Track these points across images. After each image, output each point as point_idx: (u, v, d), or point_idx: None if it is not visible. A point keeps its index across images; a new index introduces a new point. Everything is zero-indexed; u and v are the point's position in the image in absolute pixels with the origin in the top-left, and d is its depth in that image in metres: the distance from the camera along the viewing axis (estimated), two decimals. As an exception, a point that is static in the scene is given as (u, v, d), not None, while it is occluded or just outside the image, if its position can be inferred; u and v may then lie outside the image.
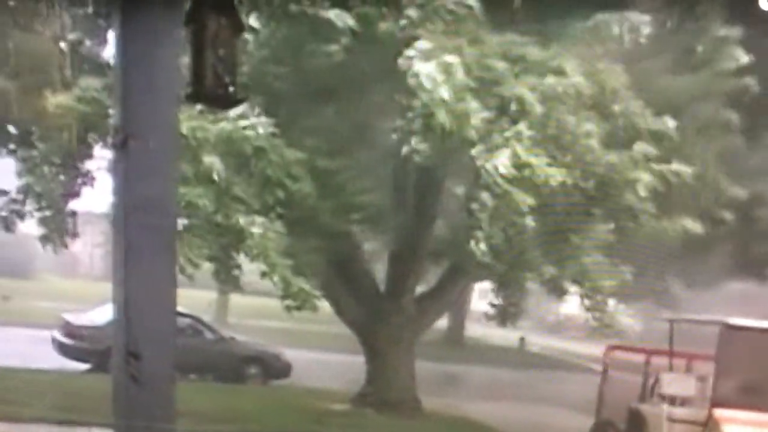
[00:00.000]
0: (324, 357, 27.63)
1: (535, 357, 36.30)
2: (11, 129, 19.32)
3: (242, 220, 14.74)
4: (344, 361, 23.68)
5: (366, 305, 20.02)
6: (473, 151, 14.17)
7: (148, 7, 5.22)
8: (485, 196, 14.36)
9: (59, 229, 19.63)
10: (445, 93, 13.54)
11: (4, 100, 17.29)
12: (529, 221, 14.47)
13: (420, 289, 20.98)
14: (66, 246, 20.01)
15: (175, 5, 5.41)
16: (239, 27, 5.74)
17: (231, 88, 5.63)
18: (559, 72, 14.69)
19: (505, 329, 25.93)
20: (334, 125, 16.15)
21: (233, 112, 14.06)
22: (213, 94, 5.69)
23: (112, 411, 5.28)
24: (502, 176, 13.99)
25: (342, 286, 19.64)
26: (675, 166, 15.64)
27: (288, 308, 15.76)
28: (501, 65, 14.51)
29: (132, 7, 5.26)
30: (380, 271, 20.94)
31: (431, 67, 13.64)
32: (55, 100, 16.09)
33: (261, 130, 14.62)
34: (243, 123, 14.54)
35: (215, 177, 14.39)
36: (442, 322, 30.58)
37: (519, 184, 14.11)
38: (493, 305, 22.23)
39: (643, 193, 15.37)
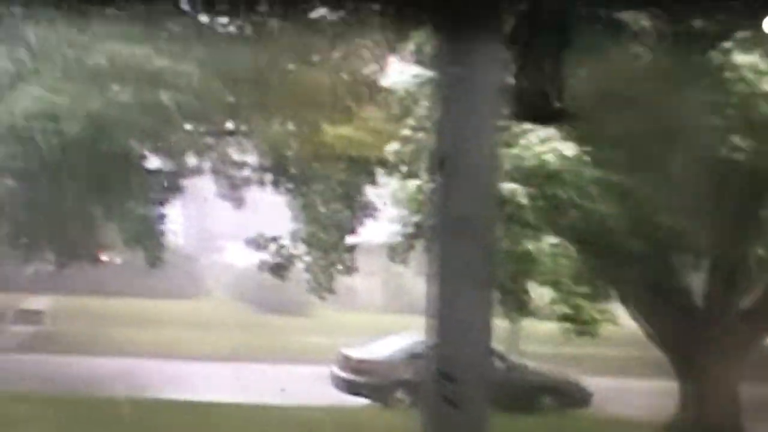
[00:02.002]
0: (627, 383, 27.52)
1: None
2: (290, 168, 21.29)
3: (531, 246, 15.48)
4: (651, 387, 23.80)
5: (681, 323, 20.10)
6: None
7: (467, 26, 5.62)
8: None
9: (327, 273, 21.40)
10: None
11: (282, 137, 19.05)
12: None
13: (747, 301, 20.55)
14: (332, 292, 22.04)
15: (495, 22, 5.74)
16: (566, 42, 5.97)
17: (557, 104, 5.89)
18: None
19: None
20: (638, 133, 16.58)
21: (532, 136, 14.95)
22: (538, 112, 6.09)
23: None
24: None
25: (652, 304, 19.86)
26: None
27: (566, 332, 16.52)
28: None
29: (451, 27, 5.64)
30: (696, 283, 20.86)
31: (754, 58, 13.93)
32: (335, 131, 17.59)
33: (567, 153, 15.25)
34: (542, 148, 15.39)
35: (518, 202, 15.17)
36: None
37: None
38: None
39: None
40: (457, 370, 5.48)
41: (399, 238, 18.96)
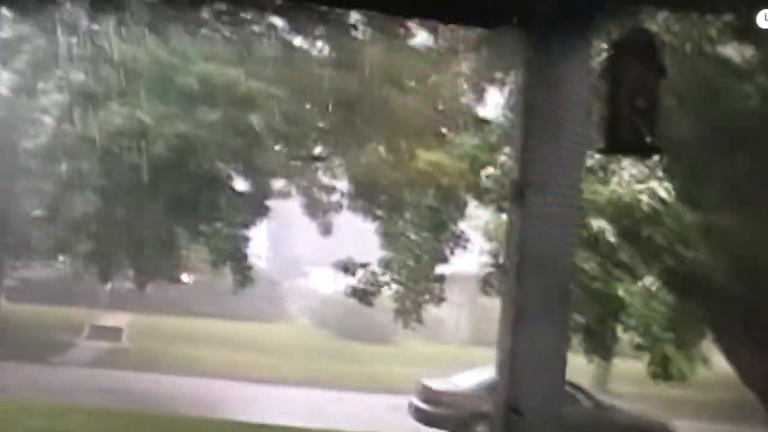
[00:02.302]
0: (718, 428, 27.65)
1: None
2: (381, 195, 21.33)
3: (621, 290, 15.58)
4: (743, 432, 23.89)
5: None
6: None
7: (554, 52, 5.65)
8: None
9: (415, 302, 21.27)
10: None
11: (374, 163, 19.37)
12: None
13: None
14: (420, 321, 21.67)
15: (584, 48, 5.79)
16: (661, 73, 5.90)
17: (648, 138, 5.81)
18: None
19: None
20: (742, 176, 16.24)
21: (627, 173, 15.07)
22: (628, 145, 5.98)
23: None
24: None
25: (749, 348, 19.71)
26: None
27: (654, 375, 16.58)
28: None
29: (537, 53, 5.69)
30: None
31: None
32: (428, 157, 17.86)
33: (662, 194, 15.37)
34: (639, 187, 15.42)
35: (608, 240, 15.27)
36: None
37: None
38: None
39: None
40: (526, 404, 5.54)
41: (489, 270, 19.09)
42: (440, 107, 19.31)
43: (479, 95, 19.54)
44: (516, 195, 5.74)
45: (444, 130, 19.13)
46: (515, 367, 5.61)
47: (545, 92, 5.69)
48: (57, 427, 19.12)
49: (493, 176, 17.32)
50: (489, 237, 18.25)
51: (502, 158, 17.23)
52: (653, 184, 15.32)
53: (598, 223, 15.10)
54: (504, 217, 17.29)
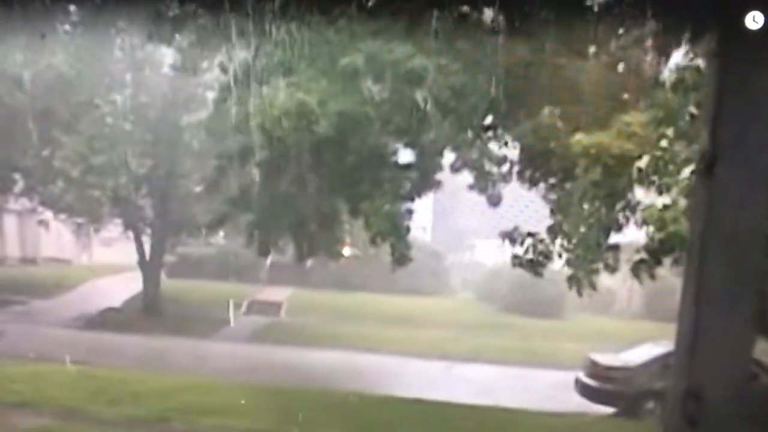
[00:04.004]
0: None
1: None
2: (552, 163, 20.85)
3: None
4: None
5: None
6: None
7: (747, 31, 5.66)
8: None
9: (588, 270, 20.63)
10: None
11: (551, 132, 19.66)
12: None
13: None
14: (594, 288, 20.91)
15: None
16: None
17: None
18: None
19: None
20: None
21: None
22: None
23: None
24: None
25: None
26: None
27: None
28: None
29: (729, 31, 5.75)
30: None
31: None
32: (588, 140, 18.12)
33: None
34: None
35: None
36: None
37: None
38: None
39: None
40: (707, 389, 5.64)
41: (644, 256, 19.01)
42: (620, 71, 19.42)
43: (664, 58, 19.60)
44: (704, 168, 5.82)
45: (622, 98, 19.19)
46: (697, 350, 5.63)
47: (736, 67, 5.84)
48: (211, 403, 19.85)
49: (653, 160, 17.46)
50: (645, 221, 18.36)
51: (663, 142, 17.38)
52: None
53: None
54: (658, 201, 17.53)
